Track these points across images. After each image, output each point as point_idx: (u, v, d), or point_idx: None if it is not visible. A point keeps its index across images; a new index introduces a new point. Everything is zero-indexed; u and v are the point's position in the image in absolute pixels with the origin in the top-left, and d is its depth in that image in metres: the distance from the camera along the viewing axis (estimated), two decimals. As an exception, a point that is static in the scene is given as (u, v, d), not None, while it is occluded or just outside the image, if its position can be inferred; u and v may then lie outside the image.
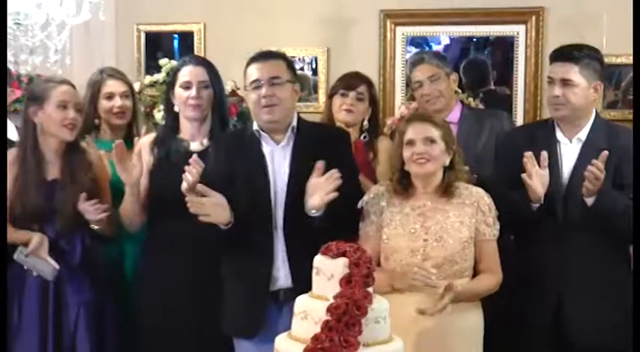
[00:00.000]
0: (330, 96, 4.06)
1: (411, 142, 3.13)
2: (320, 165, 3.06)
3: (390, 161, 3.51)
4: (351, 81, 4.01)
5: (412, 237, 3.09)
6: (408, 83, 4.56)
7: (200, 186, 3.09)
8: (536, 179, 3.24)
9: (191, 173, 3.14)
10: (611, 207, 3.23)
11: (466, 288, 3.00)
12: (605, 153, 3.19)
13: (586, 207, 3.25)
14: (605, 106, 4.73)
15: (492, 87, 5.01)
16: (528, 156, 3.24)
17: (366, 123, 3.98)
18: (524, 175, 3.23)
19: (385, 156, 3.87)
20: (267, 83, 3.21)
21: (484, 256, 3.13)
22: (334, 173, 3.03)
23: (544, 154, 3.26)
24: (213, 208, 3.08)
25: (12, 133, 3.97)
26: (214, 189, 3.11)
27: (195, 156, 3.22)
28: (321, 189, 3.04)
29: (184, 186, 3.16)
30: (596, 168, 3.15)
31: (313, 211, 3.07)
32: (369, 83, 4.04)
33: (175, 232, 3.43)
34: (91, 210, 3.38)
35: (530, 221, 3.33)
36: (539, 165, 3.26)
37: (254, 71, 3.25)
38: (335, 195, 3.02)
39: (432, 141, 3.11)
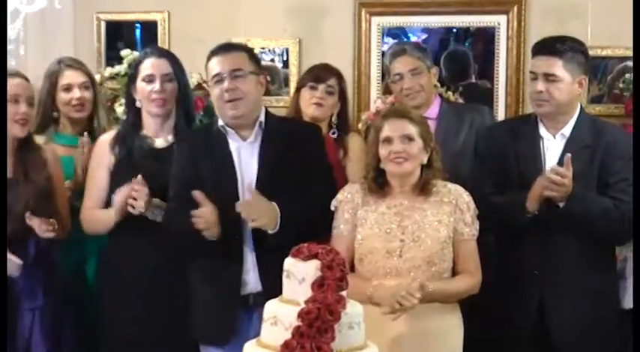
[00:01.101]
0: (298, 89, 4.05)
1: (387, 140, 3.13)
2: (251, 187, 3.10)
3: (364, 158, 3.52)
4: (321, 73, 4.00)
5: (388, 237, 3.10)
6: (384, 76, 4.57)
7: (197, 194, 3.09)
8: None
9: (139, 196, 3.19)
10: (584, 210, 3.26)
11: (438, 288, 3.00)
12: (568, 156, 3.21)
13: (558, 209, 3.28)
14: (590, 101, 4.76)
15: (473, 80, 5.03)
16: (555, 171, 3.22)
17: (335, 118, 3.99)
18: (541, 187, 3.22)
19: (357, 153, 3.88)
20: (228, 76, 3.21)
21: (462, 256, 3.14)
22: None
23: (568, 157, 3.23)
24: (211, 220, 3.09)
25: None
26: (180, 191, 3.11)
27: (139, 177, 3.23)
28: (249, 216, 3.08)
29: (136, 211, 3.19)
30: (560, 175, 3.17)
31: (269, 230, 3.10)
32: (339, 76, 4.04)
33: (140, 236, 3.42)
34: (39, 230, 3.30)
35: (518, 228, 3.36)
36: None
37: (215, 65, 3.25)
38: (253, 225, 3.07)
39: (409, 138, 3.12)
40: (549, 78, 3.35)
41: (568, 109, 3.43)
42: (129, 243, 3.47)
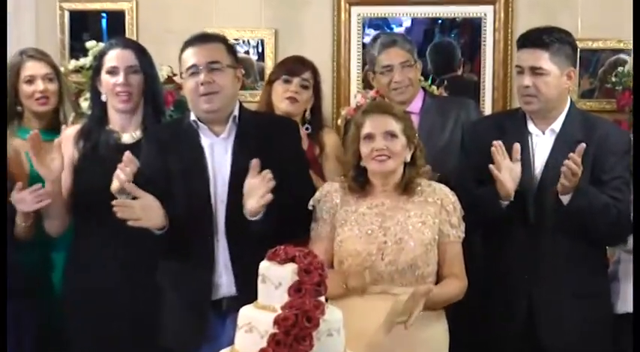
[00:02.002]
0: (270, 83, 4.03)
1: (369, 137, 3.13)
2: (255, 163, 3.05)
3: (341, 156, 3.51)
4: (295, 66, 3.99)
5: (369, 238, 3.09)
6: (365, 68, 4.55)
7: (128, 186, 3.06)
8: (506, 172, 3.26)
9: (124, 172, 3.10)
10: (588, 205, 3.26)
11: (438, 293, 3.01)
12: (583, 145, 3.21)
13: (561, 206, 3.27)
14: (581, 96, 4.79)
15: (459, 73, 5.04)
16: (497, 146, 3.26)
17: (308, 113, 3.97)
18: (492, 166, 3.24)
19: (333, 150, 3.89)
20: (205, 69, 3.19)
21: (448, 260, 3.14)
22: (267, 173, 3.03)
23: (516, 146, 3.28)
24: (144, 211, 3.06)
25: None
26: (146, 189, 3.09)
27: (128, 152, 3.18)
28: (256, 191, 3.04)
29: (114, 185, 3.12)
30: (573, 163, 3.17)
31: (249, 216, 3.07)
32: (313, 69, 4.03)
33: (105, 236, 3.41)
34: (29, 200, 3.30)
35: (499, 220, 3.35)
36: (510, 158, 3.27)
37: (190, 56, 3.23)
38: (270, 197, 3.02)
39: (392, 135, 3.12)
40: (536, 71, 3.35)
41: (557, 104, 3.43)
42: (95, 241, 3.47)
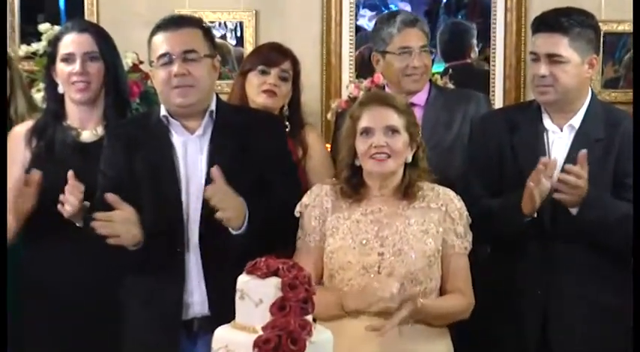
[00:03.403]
0: (244, 74, 4.00)
1: (367, 131, 3.14)
2: (215, 172, 3.06)
3: (327, 156, 3.52)
4: (273, 55, 3.97)
5: (364, 249, 3.11)
6: (362, 47, 4.57)
7: (111, 196, 3.06)
8: (537, 189, 3.23)
9: (69, 202, 3.13)
10: (603, 217, 3.26)
11: (432, 305, 3.02)
12: (584, 151, 3.20)
13: (571, 217, 3.29)
14: (604, 85, 4.80)
15: (469, 60, 5.06)
16: (546, 164, 3.22)
17: (286, 109, 3.95)
18: (531, 185, 3.20)
19: (318, 150, 3.89)
20: (179, 58, 3.19)
21: (452, 273, 3.16)
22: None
23: (549, 161, 3.24)
24: (125, 226, 3.06)
25: None
26: (107, 192, 3.10)
27: (70, 173, 3.19)
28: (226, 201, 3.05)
29: (67, 212, 3.15)
30: (574, 175, 3.17)
31: (234, 230, 3.09)
32: (293, 59, 4.00)
33: (61, 247, 3.41)
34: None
35: (515, 234, 3.37)
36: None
37: (162, 43, 3.23)
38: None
39: (393, 130, 3.13)
40: (553, 59, 3.36)
41: (577, 96, 3.44)
42: (50, 257, 3.46)
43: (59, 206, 3.17)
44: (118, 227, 3.04)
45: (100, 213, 3.05)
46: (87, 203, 3.22)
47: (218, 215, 3.06)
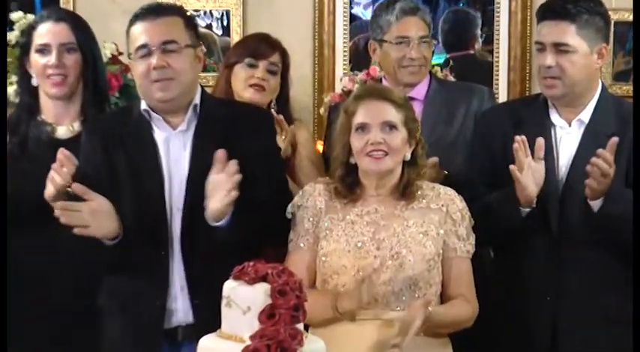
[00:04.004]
0: (229, 67, 3.99)
1: (363, 127, 3.14)
2: (221, 155, 3.05)
3: (317, 155, 3.51)
4: (261, 47, 3.96)
5: (359, 252, 3.11)
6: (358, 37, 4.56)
7: (76, 187, 3.04)
8: (528, 174, 3.26)
9: (59, 173, 3.10)
10: (625, 212, 3.24)
11: (439, 313, 3.02)
12: (615, 139, 3.21)
13: (591, 213, 3.28)
14: (615, 78, 4.80)
15: (472, 51, 5.06)
16: (519, 142, 3.25)
17: (274, 104, 3.95)
18: (512, 167, 3.24)
19: (307, 148, 3.90)
20: (158, 50, 3.19)
21: (454, 279, 3.16)
22: (232, 165, 3.02)
23: (540, 141, 3.27)
24: (94, 216, 3.04)
25: None
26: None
27: (62, 149, 3.17)
28: (221, 188, 3.03)
29: (49, 191, 3.11)
30: (603, 161, 3.18)
31: (212, 221, 3.07)
32: (282, 51, 4.00)
33: (36, 249, 3.41)
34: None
35: (515, 231, 3.37)
36: (532, 155, 3.28)
37: (140, 33, 3.22)
38: (235, 194, 3.01)
39: (391, 126, 3.13)
40: (560, 48, 3.36)
41: (586, 89, 3.45)
42: (23, 259, 3.45)
43: (49, 177, 3.13)
44: (86, 217, 3.02)
45: (62, 202, 3.03)
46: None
47: (207, 203, 3.06)
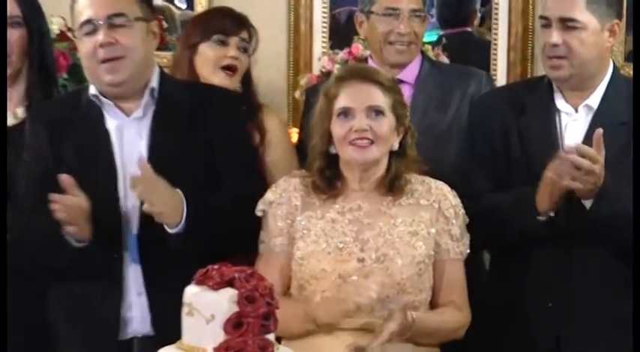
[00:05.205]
0: (192, 46, 3.95)
1: (346, 113, 3.15)
2: (142, 161, 3.05)
3: (289, 144, 3.51)
4: (229, 22, 3.95)
5: (341, 255, 3.12)
6: (336, 16, 4.56)
7: (67, 178, 3.05)
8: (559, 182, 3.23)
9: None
10: (619, 213, 3.25)
11: (424, 319, 3.03)
12: (600, 131, 3.18)
13: (585, 213, 3.29)
14: (627, 58, 4.82)
15: (469, 29, 5.08)
16: (568, 151, 3.19)
17: (239, 86, 3.93)
18: (549, 174, 3.19)
19: (279, 137, 3.88)
20: (105, 24, 3.19)
21: (446, 283, 3.18)
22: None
23: (587, 149, 3.20)
24: (81, 214, 3.07)
25: None
26: (31, 186, 3.13)
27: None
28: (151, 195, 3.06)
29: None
30: (588, 156, 3.14)
31: (169, 227, 3.09)
32: (251, 27, 3.98)
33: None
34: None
35: (527, 237, 3.37)
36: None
37: (84, 7, 3.23)
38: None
39: (377, 112, 3.14)
40: (567, 24, 3.37)
41: (595, 70, 3.46)
42: None
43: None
44: (77, 215, 3.06)
45: (61, 196, 3.04)
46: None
47: (145, 208, 3.08)
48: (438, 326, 3.12)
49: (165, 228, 3.09)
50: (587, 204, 3.27)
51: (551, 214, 3.30)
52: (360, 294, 2.96)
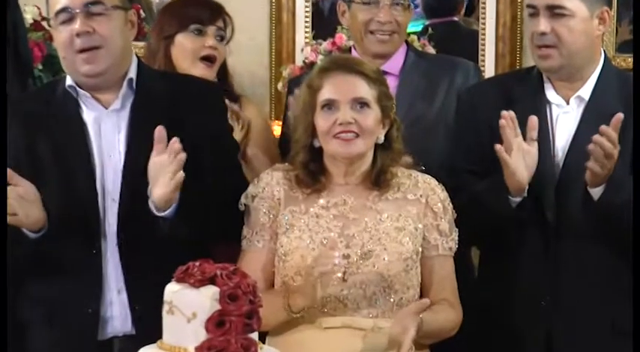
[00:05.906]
0: (169, 37, 3.94)
1: (330, 105, 3.14)
2: (161, 133, 3.04)
3: (270, 137, 3.49)
4: (205, 10, 3.95)
5: (326, 251, 3.10)
6: (319, 5, 4.55)
7: (8, 171, 3.04)
8: (519, 157, 3.25)
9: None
10: (628, 202, 3.25)
11: (430, 319, 3.02)
12: (620, 115, 3.20)
13: (590, 203, 3.29)
14: (618, 49, 4.82)
15: (455, 18, 5.08)
16: (507, 118, 3.24)
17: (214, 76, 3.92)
18: (499, 147, 3.23)
19: (259, 129, 3.89)
20: (81, 13, 3.18)
21: (436, 281, 3.18)
22: (174, 143, 3.01)
23: (533, 120, 3.27)
24: (21, 203, 3.04)
25: None
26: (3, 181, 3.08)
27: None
28: (164, 171, 3.02)
29: None
30: (607, 139, 3.17)
31: (157, 210, 3.07)
32: (227, 15, 3.98)
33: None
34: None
35: (507, 225, 3.37)
36: (523, 136, 3.29)
37: None
38: (182, 175, 3.01)
39: (363, 104, 3.14)
40: (555, 12, 3.37)
41: (586, 60, 3.46)
42: None
43: None
44: (13, 203, 3.02)
45: None
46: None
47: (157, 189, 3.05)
48: (441, 326, 3.12)
49: (153, 210, 3.08)
50: (596, 193, 3.26)
51: (524, 195, 3.30)
52: (324, 264, 2.99)
